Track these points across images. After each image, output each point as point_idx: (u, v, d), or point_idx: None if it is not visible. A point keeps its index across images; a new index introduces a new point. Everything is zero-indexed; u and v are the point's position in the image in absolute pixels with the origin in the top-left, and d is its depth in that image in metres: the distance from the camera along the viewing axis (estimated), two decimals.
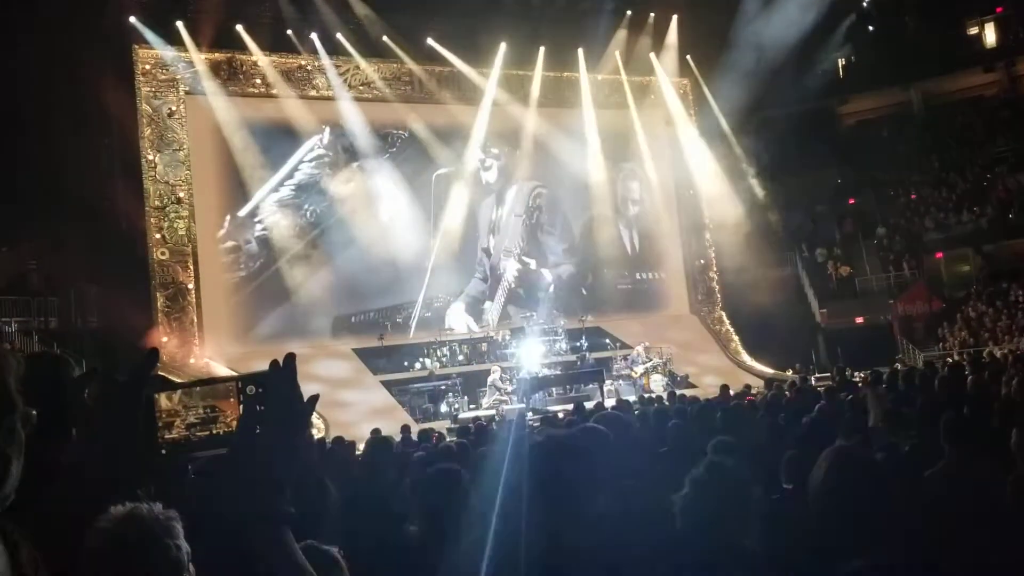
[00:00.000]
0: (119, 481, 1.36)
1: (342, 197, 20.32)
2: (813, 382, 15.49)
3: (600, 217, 23.58)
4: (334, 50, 20.42)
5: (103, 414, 1.26)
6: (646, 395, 14.49)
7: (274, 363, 1.28)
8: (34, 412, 1.20)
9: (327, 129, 20.42)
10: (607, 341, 21.36)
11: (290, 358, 1.27)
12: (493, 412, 15.27)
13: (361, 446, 8.89)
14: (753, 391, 13.19)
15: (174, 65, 18.98)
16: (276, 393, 1.24)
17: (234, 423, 1.29)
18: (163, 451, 1.28)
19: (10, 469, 1.12)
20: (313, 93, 20.51)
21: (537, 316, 20.65)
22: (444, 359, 19.42)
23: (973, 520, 3.26)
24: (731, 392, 12.26)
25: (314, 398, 1.28)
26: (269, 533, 1.19)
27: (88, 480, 1.27)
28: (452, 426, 14.59)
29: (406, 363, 19.63)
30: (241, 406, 1.29)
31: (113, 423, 1.25)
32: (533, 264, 22.65)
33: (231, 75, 19.67)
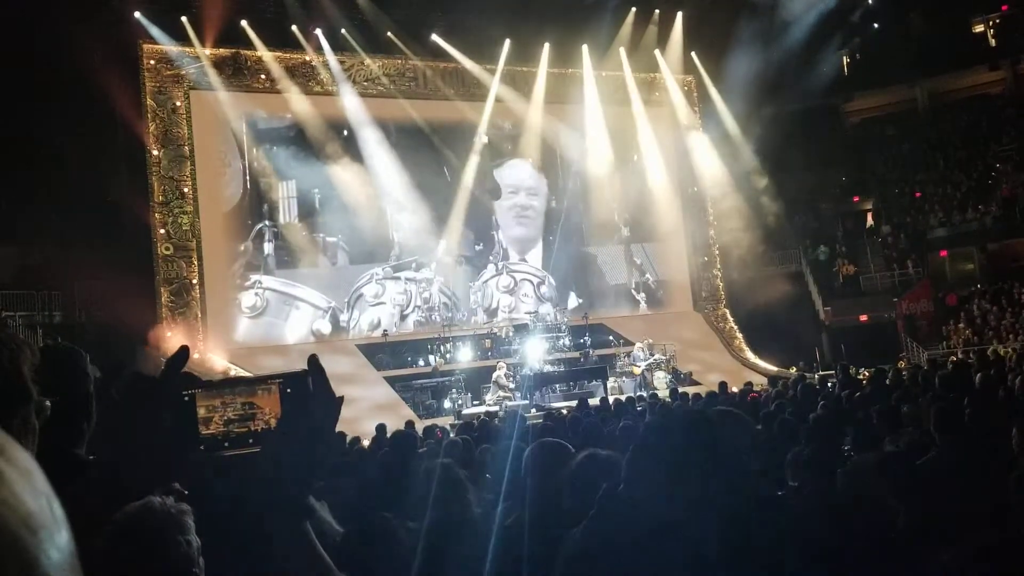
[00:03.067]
0: (151, 480, 1.37)
1: (347, 194, 20.34)
2: (816, 379, 15.46)
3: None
4: (338, 46, 20.40)
5: (134, 413, 1.27)
6: (648, 393, 14.47)
7: (312, 360, 1.31)
8: (48, 403, 1.20)
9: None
10: (610, 338, 21.38)
11: (315, 358, 1.30)
12: (497, 408, 15.28)
13: (365, 442, 8.90)
14: (756, 388, 13.15)
15: (179, 61, 18.98)
16: (316, 392, 1.27)
17: (272, 420, 1.31)
18: (201, 447, 1.29)
19: None
20: (317, 89, 20.50)
21: (541, 313, 20.65)
22: (448, 355, 19.44)
23: (962, 506, 3.28)
24: (733, 389, 12.28)
25: (341, 398, 1.32)
26: (291, 525, 1.21)
27: (119, 479, 1.28)
28: (456, 422, 14.59)
29: (409, 359, 19.68)
30: (282, 404, 1.31)
31: (145, 422, 1.25)
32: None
33: (235, 71, 19.67)
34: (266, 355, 18.72)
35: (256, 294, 19.48)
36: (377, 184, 20.61)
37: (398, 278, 21.01)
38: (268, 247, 19.81)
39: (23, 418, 1.13)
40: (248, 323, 19.38)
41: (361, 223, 20.34)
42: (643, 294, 24.04)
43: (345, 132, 20.53)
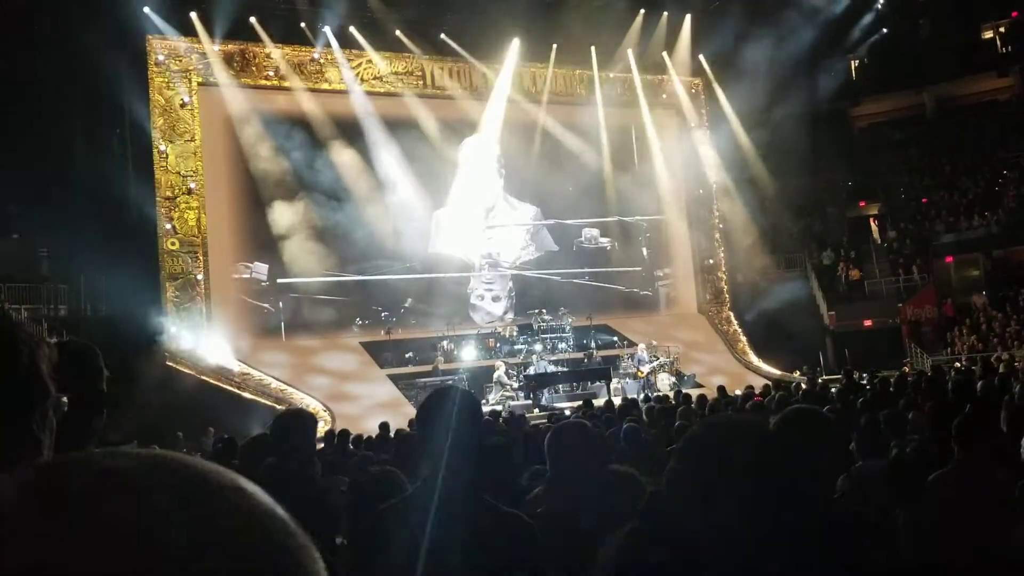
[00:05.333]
0: None
1: (354, 192, 20.36)
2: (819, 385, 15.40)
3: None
4: (346, 43, 20.42)
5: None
6: (652, 394, 14.46)
7: None
8: (64, 399, 1.21)
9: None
10: (614, 339, 21.35)
11: None
12: (500, 408, 15.28)
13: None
14: (756, 392, 13.08)
15: (187, 56, 18.99)
16: None
17: None
18: None
19: (42, 454, 1.13)
20: (325, 86, 20.51)
21: (545, 313, 20.63)
22: (451, 354, 19.43)
23: (982, 520, 3.26)
24: (736, 392, 12.25)
25: None
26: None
27: None
28: None
29: (413, 357, 19.67)
30: None
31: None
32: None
33: (244, 66, 19.67)
34: (272, 352, 18.74)
35: (280, 290, 19.65)
36: (394, 182, 20.58)
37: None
38: (291, 244, 19.87)
39: (41, 414, 1.14)
40: (273, 319, 19.48)
41: (379, 220, 20.35)
42: (663, 295, 24.09)
43: (366, 130, 20.50)
